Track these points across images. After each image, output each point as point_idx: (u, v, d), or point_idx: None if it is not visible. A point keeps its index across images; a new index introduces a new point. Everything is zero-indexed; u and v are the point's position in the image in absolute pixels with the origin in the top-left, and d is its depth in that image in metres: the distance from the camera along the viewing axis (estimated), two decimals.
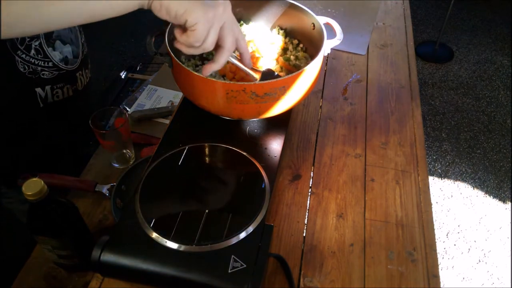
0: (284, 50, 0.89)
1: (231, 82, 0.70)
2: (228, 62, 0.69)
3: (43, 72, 0.86)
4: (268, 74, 0.74)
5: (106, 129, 0.91)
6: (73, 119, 0.97)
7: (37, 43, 0.84)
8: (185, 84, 0.75)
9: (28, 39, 0.82)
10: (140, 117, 1.09)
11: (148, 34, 0.70)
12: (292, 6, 0.87)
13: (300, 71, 0.70)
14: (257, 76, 0.73)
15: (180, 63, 0.70)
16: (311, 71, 0.73)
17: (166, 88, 1.21)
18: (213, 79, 0.68)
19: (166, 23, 0.74)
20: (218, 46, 0.63)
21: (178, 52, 0.67)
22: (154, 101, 1.16)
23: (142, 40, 3.01)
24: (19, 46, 0.81)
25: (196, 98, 0.76)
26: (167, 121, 1.08)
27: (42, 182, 0.62)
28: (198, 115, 0.81)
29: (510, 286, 1.78)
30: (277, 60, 0.87)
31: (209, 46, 0.61)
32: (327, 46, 0.78)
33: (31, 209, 0.66)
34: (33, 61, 0.84)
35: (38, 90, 0.88)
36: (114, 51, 2.90)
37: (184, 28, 0.59)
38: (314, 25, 0.84)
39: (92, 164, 0.97)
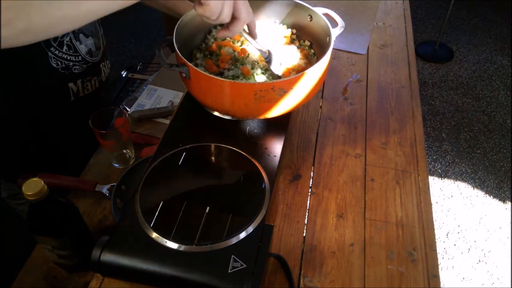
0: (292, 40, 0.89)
1: (259, 82, 0.71)
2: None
3: (75, 67, 0.89)
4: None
5: (106, 129, 0.91)
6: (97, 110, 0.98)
7: (67, 38, 0.86)
8: (208, 92, 0.73)
9: (60, 36, 0.84)
10: (140, 117, 1.09)
11: (155, 48, 0.70)
12: (287, 3, 0.87)
13: (321, 60, 0.70)
14: (266, 50, 0.76)
15: (202, 71, 0.68)
16: (327, 59, 0.74)
17: (166, 88, 1.21)
18: (241, 82, 0.68)
19: (168, 32, 0.74)
20: (233, 17, 0.66)
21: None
22: (154, 101, 1.16)
23: (142, 40, 3.01)
24: (52, 43, 0.83)
25: (220, 105, 0.73)
26: (167, 121, 1.08)
27: (42, 182, 0.62)
28: (198, 115, 0.81)
29: (510, 286, 1.78)
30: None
31: (224, 18, 0.63)
32: (333, 35, 0.78)
33: (31, 209, 0.66)
34: (65, 56, 0.86)
35: (71, 85, 0.91)
36: (114, 51, 2.90)
37: (199, 2, 0.61)
38: (311, 17, 0.84)
39: (92, 164, 0.96)
